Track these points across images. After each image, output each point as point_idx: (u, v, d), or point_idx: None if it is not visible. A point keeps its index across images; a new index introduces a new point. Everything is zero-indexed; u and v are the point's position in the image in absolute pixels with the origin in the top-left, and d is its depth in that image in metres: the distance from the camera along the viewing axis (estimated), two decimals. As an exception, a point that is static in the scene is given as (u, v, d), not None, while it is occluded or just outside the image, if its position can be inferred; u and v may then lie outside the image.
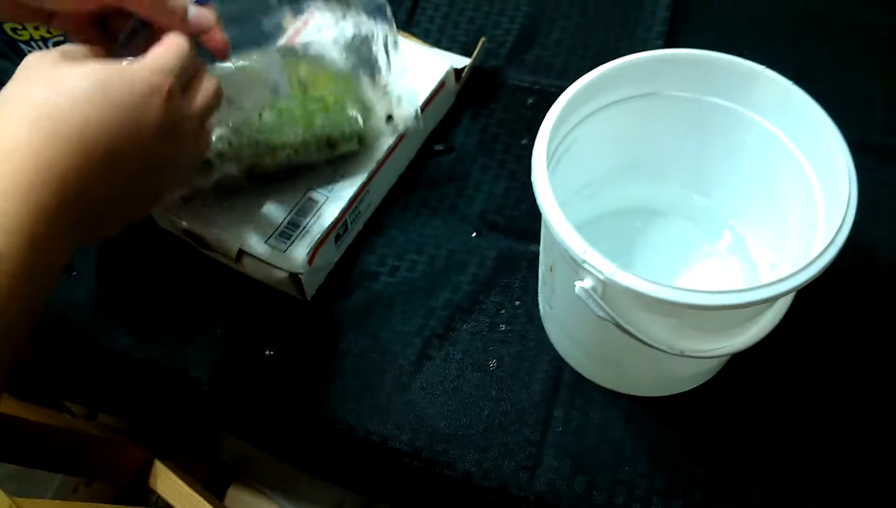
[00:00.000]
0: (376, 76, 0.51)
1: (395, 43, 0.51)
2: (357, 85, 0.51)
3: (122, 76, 0.36)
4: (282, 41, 0.54)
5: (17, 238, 0.32)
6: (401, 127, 0.53)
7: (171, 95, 0.37)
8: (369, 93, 0.52)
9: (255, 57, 0.48)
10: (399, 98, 0.52)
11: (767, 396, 0.48)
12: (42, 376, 0.63)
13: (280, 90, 0.49)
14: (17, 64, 0.37)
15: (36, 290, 0.33)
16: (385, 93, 0.52)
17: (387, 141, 0.55)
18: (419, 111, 0.52)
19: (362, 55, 0.50)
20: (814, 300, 0.44)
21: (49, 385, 0.66)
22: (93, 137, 0.34)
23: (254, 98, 0.48)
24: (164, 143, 0.38)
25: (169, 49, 0.39)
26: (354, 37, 0.49)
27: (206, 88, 0.41)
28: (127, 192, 0.38)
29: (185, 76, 0.40)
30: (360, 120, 0.52)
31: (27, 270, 0.32)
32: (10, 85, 0.35)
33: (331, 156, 0.53)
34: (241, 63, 0.48)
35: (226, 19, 0.43)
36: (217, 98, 0.42)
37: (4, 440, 0.59)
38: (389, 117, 0.52)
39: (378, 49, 0.50)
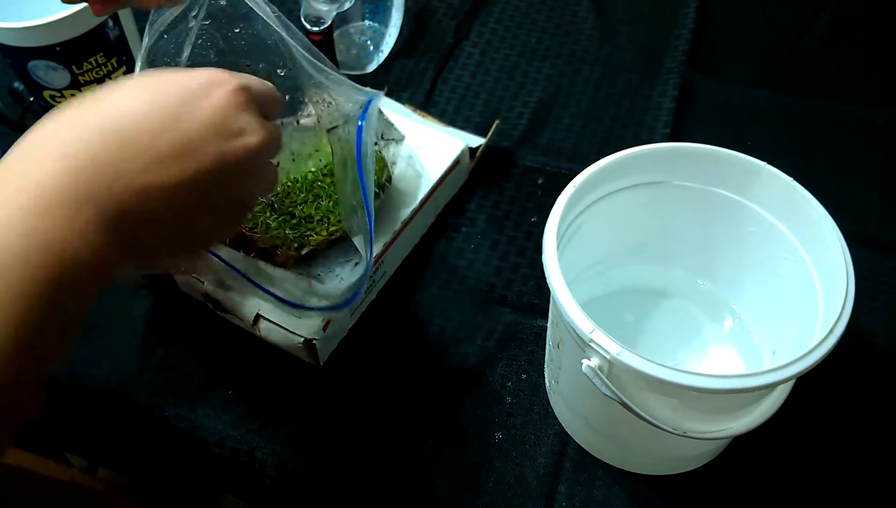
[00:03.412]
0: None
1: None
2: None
3: (181, 74, 0.33)
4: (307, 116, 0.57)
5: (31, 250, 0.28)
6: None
7: (236, 93, 0.33)
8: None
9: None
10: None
11: (769, 477, 0.49)
12: (45, 426, 0.64)
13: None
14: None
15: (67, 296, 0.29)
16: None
17: (403, 214, 0.57)
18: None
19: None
20: (815, 384, 0.45)
21: (52, 436, 0.66)
22: (125, 122, 0.31)
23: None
24: (220, 143, 0.33)
25: (254, 78, 0.36)
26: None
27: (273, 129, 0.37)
28: (180, 200, 0.32)
29: (264, 102, 0.36)
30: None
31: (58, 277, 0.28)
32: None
33: None
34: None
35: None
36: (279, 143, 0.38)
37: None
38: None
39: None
